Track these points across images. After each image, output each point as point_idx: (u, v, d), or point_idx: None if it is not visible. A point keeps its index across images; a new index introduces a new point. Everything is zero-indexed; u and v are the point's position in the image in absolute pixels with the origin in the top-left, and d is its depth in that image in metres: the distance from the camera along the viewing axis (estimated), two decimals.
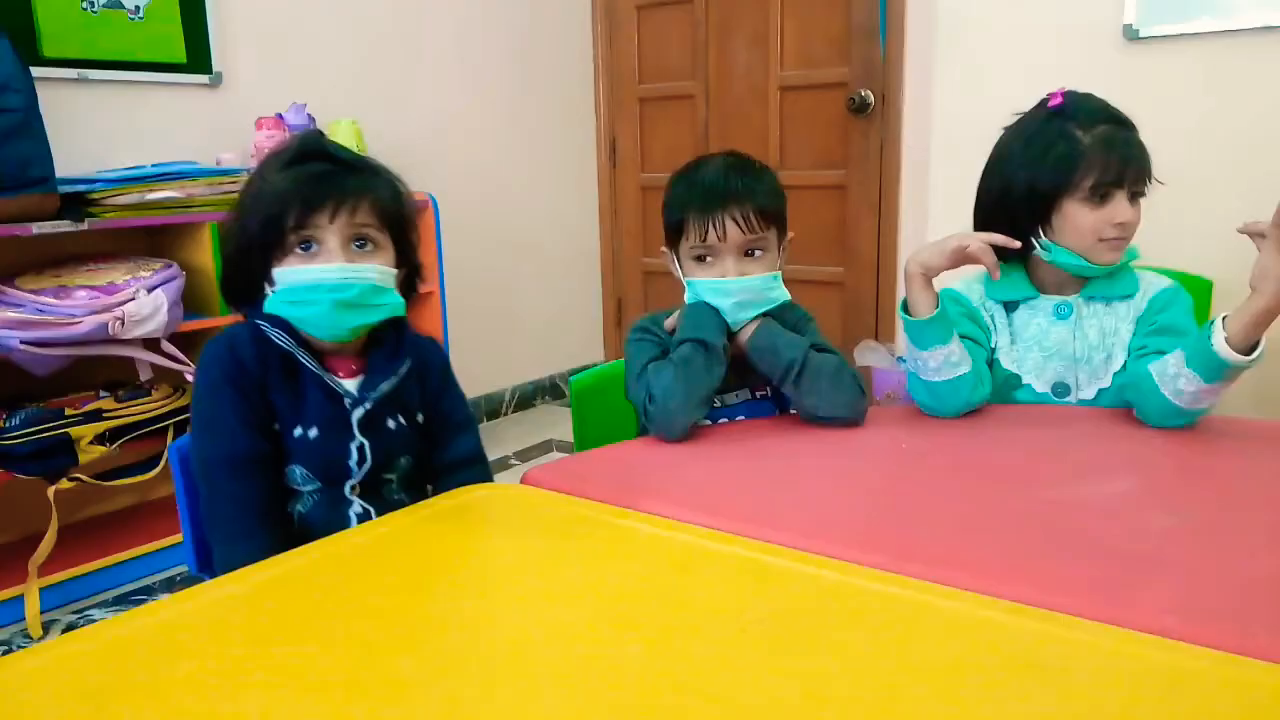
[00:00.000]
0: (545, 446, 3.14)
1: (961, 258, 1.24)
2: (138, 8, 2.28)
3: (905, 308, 1.27)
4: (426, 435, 1.21)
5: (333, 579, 0.85)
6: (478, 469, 1.23)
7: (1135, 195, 1.28)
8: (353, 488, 1.14)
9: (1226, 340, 1.12)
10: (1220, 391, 1.16)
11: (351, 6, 2.81)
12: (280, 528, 1.11)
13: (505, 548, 0.92)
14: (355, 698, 0.64)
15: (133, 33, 2.29)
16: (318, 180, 1.07)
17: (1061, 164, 1.27)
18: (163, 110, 2.40)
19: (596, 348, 3.86)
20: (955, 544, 0.88)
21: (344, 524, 1.12)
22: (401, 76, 2.97)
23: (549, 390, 3.66)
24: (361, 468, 1.13)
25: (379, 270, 1.10)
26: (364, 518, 1.13)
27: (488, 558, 0.90)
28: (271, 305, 1.09)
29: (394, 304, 1.13)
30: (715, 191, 1.22)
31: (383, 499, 1.16)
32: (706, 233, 1.22)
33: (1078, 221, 1.28)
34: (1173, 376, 1.16)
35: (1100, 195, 1.26)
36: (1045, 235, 1.31)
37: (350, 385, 1.13)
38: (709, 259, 1.25)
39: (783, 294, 1.25)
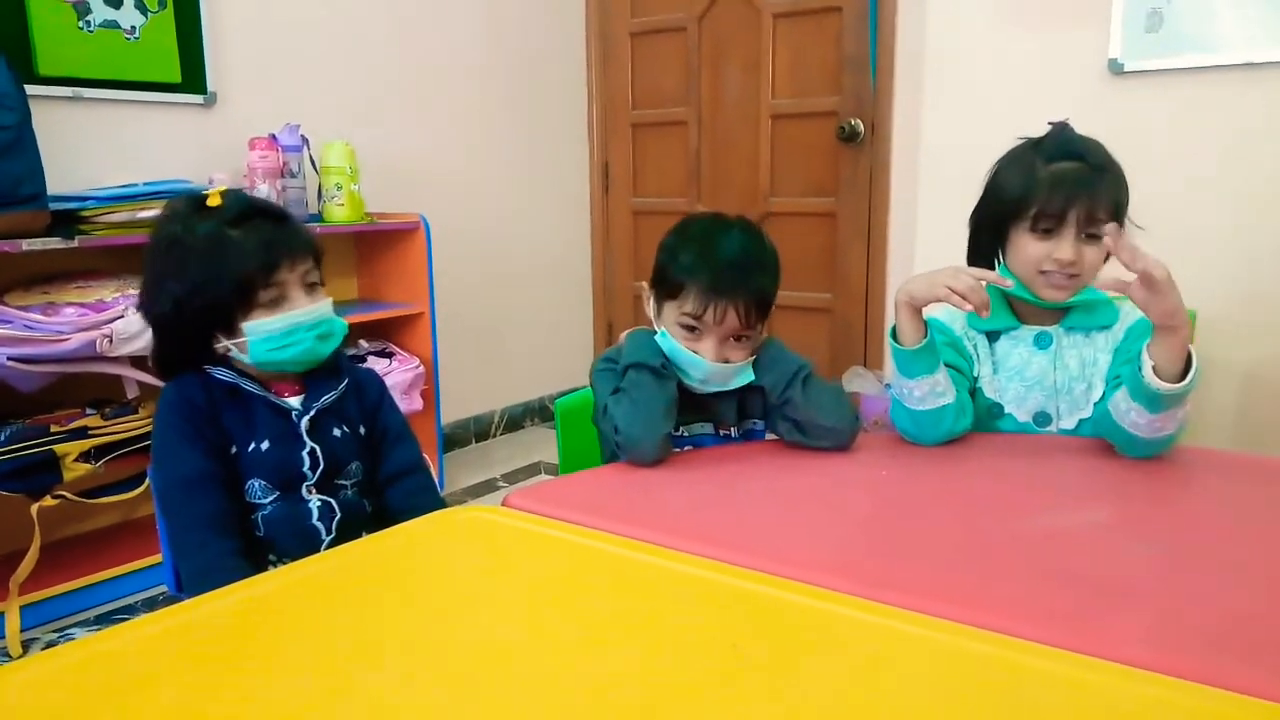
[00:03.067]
0: (534, 469, 3.14)
1: (946, 295, 1.21)
2: (134, 27, 2.30)
3: (894, 335, 1.28)
4: (369, 448, 1.32)
5: (311, 600, 0.85)
6: (419, 476, 1.34)
7: (1091, 237, 1.27)
8: (309, 489, 1.23)
9: (1155, 371, 1.12)
10: (1175, 417, 1.14)
11: (346, 29, 2.84)
12: (238, 536, 1.19)
13: (483, 571, 0.92)
14: (332, 719, 0.64)
15: (128, 52, 2.30)
16: (274, 238, 1.19)
17: (1015, 192, 1.30)
18: (156, 129, 2.41)
19: (586, 370, 3.85)
20: (931, 572, 0.88)
21: (307, 517, 1.23)
22: (395, 98, 2.99)
23: (538, 412, 3.66)
24: (315, 472, 1.24)
25: (329, 303, 1.26)
26: (325, 510, 1.24)
27: (466, 581, 0.90)
28: (255, 354, 1.19)
29: (341, 326, 1.27)
30: (727, 275, 1.20)
31: (340, 500, 1.26)
32: (704, 311, 1.21)
33: (1024, 251, 1.30)
34: (1124, 411, 1.16)
35: (1044, 229, 1.28)
36: (1004, 261, 1.33)
37: (294, 401, 1.26)
38: (696, 329, 1.24)
39: (748, 376, 1.26)
